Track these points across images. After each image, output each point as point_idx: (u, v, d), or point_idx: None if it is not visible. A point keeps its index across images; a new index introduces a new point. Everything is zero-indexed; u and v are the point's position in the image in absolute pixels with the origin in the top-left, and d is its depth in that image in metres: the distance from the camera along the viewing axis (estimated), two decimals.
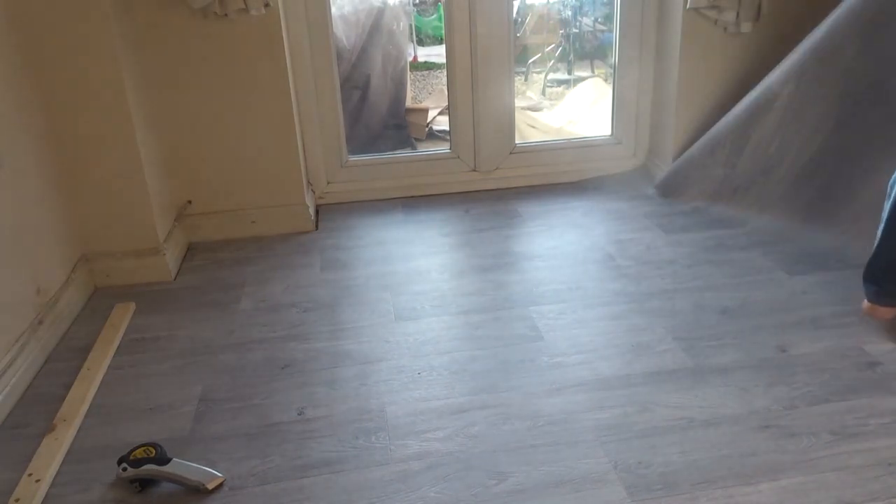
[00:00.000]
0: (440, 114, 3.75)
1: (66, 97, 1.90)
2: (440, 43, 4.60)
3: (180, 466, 1.32)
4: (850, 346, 1.65)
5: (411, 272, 2.10)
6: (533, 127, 3.64)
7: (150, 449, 1.35)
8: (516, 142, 2.73)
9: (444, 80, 2.69)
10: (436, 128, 3.67)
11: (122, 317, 1.90)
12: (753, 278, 1.97)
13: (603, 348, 1.68)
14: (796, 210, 2.22)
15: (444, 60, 2.63)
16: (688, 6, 2.36)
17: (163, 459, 1.33)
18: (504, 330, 1.78)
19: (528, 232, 2.35)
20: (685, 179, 2.48)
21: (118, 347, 1.78)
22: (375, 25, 3.43)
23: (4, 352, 1.59)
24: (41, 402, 1.58)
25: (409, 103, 3.66)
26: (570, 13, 4.53)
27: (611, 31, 2.80)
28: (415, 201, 2.64)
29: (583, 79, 4.19)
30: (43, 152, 1.88)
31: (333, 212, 2.58)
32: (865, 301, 1.74)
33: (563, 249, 2.20)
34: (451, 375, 1.61)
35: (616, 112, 2.75)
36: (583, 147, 2.78)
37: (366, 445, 1.40)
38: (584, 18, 4.46)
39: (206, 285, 2.08)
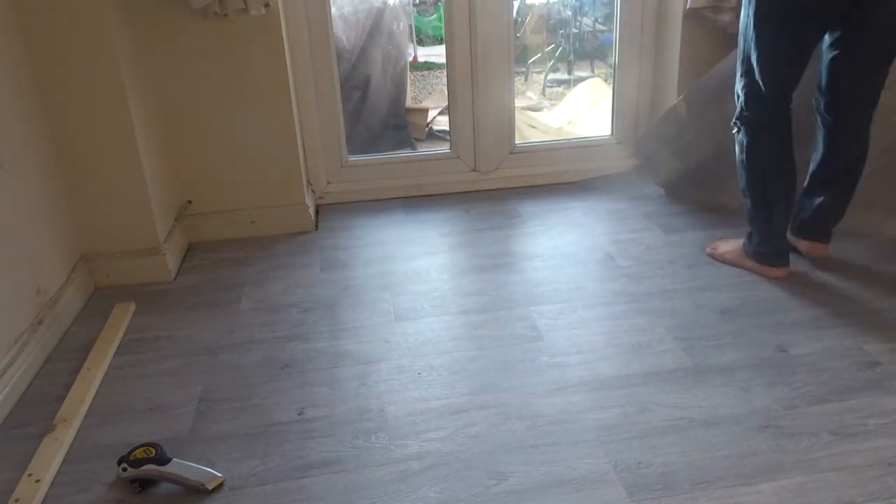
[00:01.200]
0: (440, 114, 3.75)
1: (67, 97, 1.90)
2: (440, 43, 4.61)
3: (180, 466, 1.32)
4: (850, 345, 1.65)
5: (411, 272, 2.10)
6: (533, 127, 3.64)
7: (150, 449, 1.35)
8: (516, 142, 2.73)
9: (444, 80, 2.69)
10: (436, 128, 3.67)
11: (122, 317, 1.90)
12: (753, 278, 1.97)
13: (603, 348, 1.68)
14: None
15: (444, 60, 2.63)
16: (688, 6, 2.36)
17: (163, 459, 1.33)
18: (504, 330, 1.78)
19: (528, 232, 2.35)
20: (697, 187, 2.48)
21: (118, 347, 1.78)
22: (375, 25, 3.43)
23: (4, 352, 1.59)
24: (41, 402, 1.58)
25: (409, 103, 3.66)
26: (570, 13, 4.53)
27: (611, 31, 2.80)
28: (415, 201, 2.64)
29: (583, 79, 4.20)
30: (43, 152, 1.88)
31: (333, 212, 2.58)
32: (753, 263, 1.98)
33: (563, 249, 2.20)
34: (451, 375, 1.61)
35: (616, 112, 2.75)
36: (583, 147, 2.78)
37: (366, 445, 1.40)
38: (584, 18, 4.46)
39: (206, 285, 2.08)
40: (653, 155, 2.55)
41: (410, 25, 4.42)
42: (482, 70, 2.55)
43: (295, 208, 2.40)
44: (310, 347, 1.74)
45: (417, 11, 4.92)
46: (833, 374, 1.55)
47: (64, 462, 1.39)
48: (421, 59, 4.79)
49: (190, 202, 2.34)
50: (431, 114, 3.70)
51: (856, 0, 1.65)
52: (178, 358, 1.73)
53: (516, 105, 2.69)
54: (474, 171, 2.71)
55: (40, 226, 1.84)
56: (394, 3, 3.49)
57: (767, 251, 1.95)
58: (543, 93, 4.32)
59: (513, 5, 2.53)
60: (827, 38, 1.77)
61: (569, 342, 1.71)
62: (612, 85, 2.76)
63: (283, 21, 2.23)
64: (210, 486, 1.30)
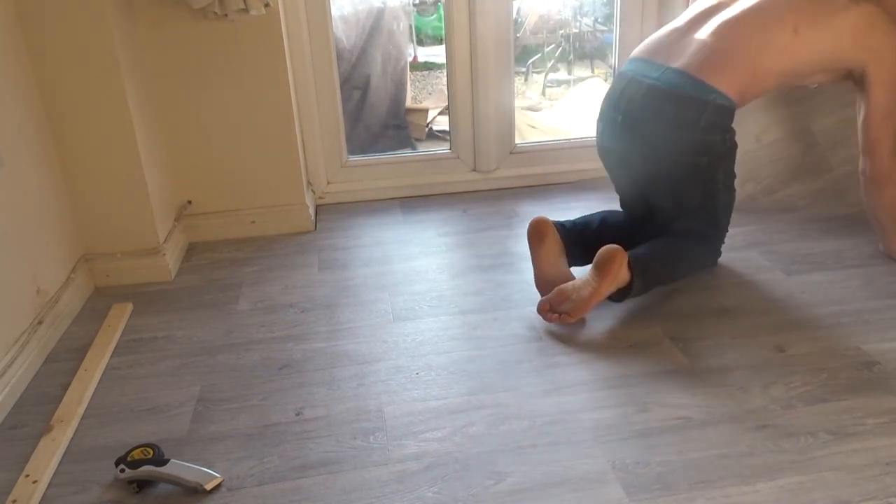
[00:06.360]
0: (440, 114, 3.75)
1: (67, 97, 1.90)
2: (440, 43, 4.60)
3: (178, 467, 1.32)
4: (848, 345, 1.65)
5: (409, 272, 2.10)
6: (533, 127, 3.65)
7: (148, 450, 1.35)
8: (516, 142, 2.73)
9: (444, 80, 2.69)
10: (436, 128, 3.67)
11: (120, 317, 1.90)
12: (752, 278, 1.97)
13: (601, 348, 1.68)
14: None
15: (444, 60, 2.63)
16: (688, 6, 2.36)
17: (160, 460, 1.33)
18: (502, 330, 1.78)
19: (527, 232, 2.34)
20: None
21: (116, 348, 1.79)
22: (375, 25, 3.43)
23: (4, 352, 1.59)
24: (39, 402, 1.58)
25: (409, 103, 3.66)
26: (570, 13, 4.53)
27: (611, 31, 2.80)
28: (414, 201, 2.64)
29: (583, 79, 4.20)
30: (43, 152, 1.89)
31: (333, 212, 2.58)
32: None
33: None
34: (449, 375, 1.61)
35: None
36: (583, 147, 2.77)
37: (364, 446, 1.40)
38: (584, 18, 4.46)
39: (204, 285, 2.08)
40: None
41: (410, 25, 4.42)
42: (482, 70, 2.55)
43: (295, 208, 2.40)
44: (308, 348, 1.74)
45: (417, 11, 4.91)
46: (831, 374, 1.55)
47: (61, 463, 1.39)
48: (421, 59, 4.78)
49: (190, 202, 2.34)
50: (431, 114, 3.70)
51: None
52: (176, 358, 1.73)
53: (516, 105, 2.69)
54: (474, 171, 2.71)
55: (40, 226, 1.84)
56: (394, 3, 3.49)
57: None
58: (543, 93, 4.32)
59: (513, 5, 2.53)
60: None
61: (567, 342, 1.71)
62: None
63: (283, 21, 2.23)
64: (208, 487, 1.30)
